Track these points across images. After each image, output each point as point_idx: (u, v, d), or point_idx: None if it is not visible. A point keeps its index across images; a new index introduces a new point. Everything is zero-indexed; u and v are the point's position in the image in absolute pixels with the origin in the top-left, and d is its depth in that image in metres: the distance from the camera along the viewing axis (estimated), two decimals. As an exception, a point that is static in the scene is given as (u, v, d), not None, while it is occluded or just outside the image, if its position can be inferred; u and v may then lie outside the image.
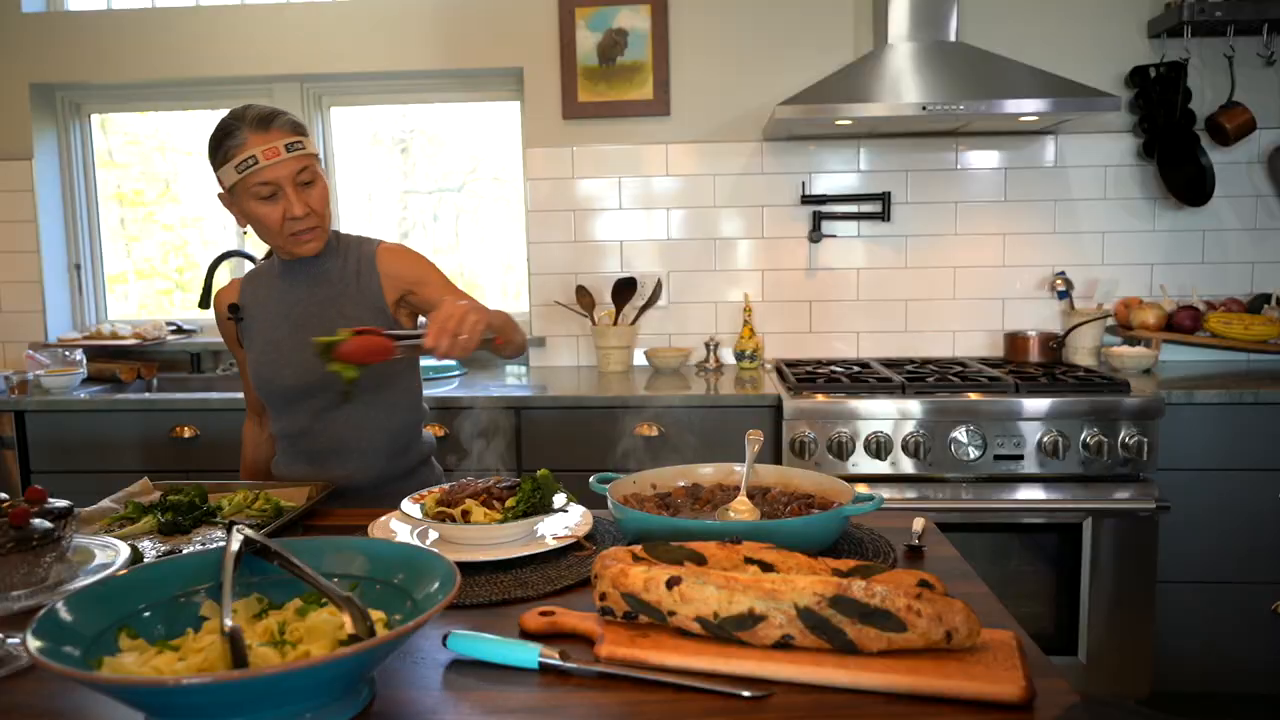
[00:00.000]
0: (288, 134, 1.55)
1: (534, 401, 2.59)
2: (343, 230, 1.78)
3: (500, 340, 1.54)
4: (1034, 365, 2.84)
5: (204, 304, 3.04)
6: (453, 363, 2.98)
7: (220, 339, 1.91)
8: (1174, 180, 2.92)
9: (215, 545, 1.17)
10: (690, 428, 2.55)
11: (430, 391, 2.64)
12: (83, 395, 2.69)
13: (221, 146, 1.56)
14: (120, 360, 3.16)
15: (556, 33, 3.05)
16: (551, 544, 1.25)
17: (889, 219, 3.06)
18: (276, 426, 1.75)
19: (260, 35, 3.11)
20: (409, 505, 1.34)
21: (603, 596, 1.00)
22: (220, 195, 1.63)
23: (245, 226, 1.65)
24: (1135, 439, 2.38)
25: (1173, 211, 3.02)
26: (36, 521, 0.99)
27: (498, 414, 2.55)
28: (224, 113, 1.59)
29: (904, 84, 2.66)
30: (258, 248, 3.36)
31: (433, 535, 1.30)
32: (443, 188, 3.38)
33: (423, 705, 0.87)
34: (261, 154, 1.52)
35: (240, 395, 2.64)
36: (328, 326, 1.62)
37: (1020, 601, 2.47)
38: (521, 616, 1.03)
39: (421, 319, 1.70)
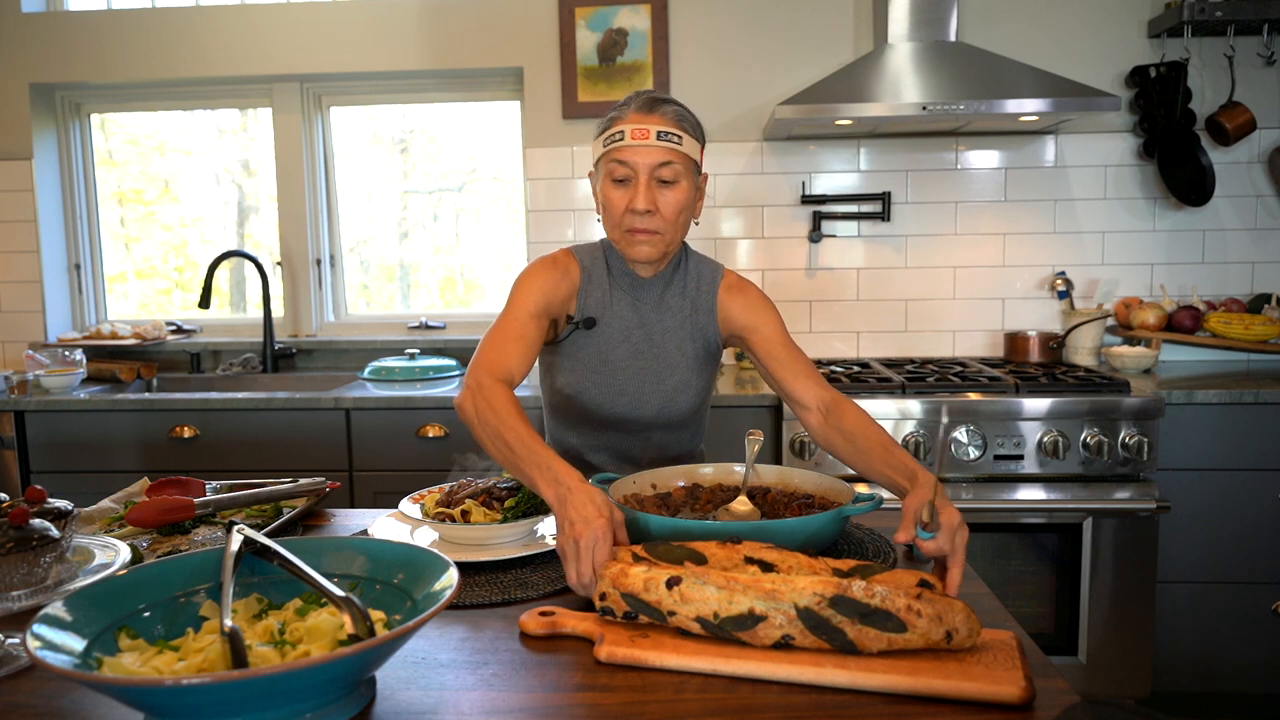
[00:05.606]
0: (668, 124, 1.45)
1: (535, 401, 2.58)
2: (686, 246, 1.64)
3: None
4: (1034, 365, 2.84)
5: (204, 304, 3.03)
6: (452, 363, 2.98)
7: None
8: (1174, 180, 2.92)
9: (215, 545, 1.17)
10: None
11: (430, 391, 2.64)
12: (83, 395, 2.69)
13: (606, 118, 1.50)
14: (120, 360, 3.16)
15: (556, 33, 3.05)
16: (551, 544, 1.25)
17: (889, 219, 3.06)
18: (571, 428, 1.64)
19: (260, 35, 3.11)
20: (409, 505, 1.34)
21: (603, 596, 1.00)
22: (590, 173, 1.57)
23: (599, 214, 1.54)
24: (1135, 439, 2.38)
25: (1173, 211, 3.02)
26: (36, 521, 0.99)
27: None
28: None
29: (904, 84, 2.66)
30: (257, 248, 3.36)
31: (433, 535, 1.30)
32: (442, 188, 3.38)
33: (423, 705, 0.87)
34: (631, 132, 1.44)
35: (242, 395, 2.64)
36: (668, 362, 1.57)
37: (1020, 601, 2.47)
38: (521, 617, 1.03)
39: None
